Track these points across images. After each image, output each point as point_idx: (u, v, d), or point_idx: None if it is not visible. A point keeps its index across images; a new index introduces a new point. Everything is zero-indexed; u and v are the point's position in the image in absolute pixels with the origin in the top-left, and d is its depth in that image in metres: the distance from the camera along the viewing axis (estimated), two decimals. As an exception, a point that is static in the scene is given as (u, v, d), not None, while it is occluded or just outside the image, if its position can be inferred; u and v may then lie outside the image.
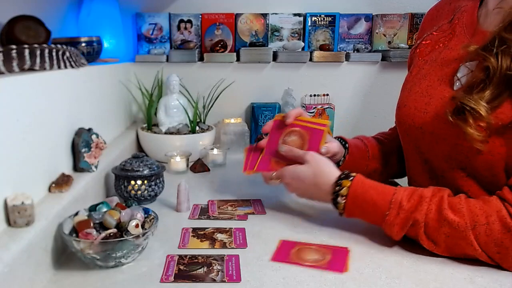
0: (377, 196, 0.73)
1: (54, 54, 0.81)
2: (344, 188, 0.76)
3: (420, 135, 0.79)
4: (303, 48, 1.49)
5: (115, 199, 0.77)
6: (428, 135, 0.77)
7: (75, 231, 0.67)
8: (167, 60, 1.47)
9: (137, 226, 0.68)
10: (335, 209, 0.79)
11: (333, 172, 0.80)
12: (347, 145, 0.95)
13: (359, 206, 0.75)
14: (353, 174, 0.77)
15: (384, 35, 1.52)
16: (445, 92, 0.76)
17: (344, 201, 0.76)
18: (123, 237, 0.66)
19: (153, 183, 0.93)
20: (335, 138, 0.97)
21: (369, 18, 1.51)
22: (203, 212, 0.90)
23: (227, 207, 0.93)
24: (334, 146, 0.90)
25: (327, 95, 1.49)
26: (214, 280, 0.64)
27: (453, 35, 0.83)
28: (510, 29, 0.67)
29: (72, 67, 0.88)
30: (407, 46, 1.48)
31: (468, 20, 0.81)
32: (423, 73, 0.84)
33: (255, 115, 1.46)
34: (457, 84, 0.75)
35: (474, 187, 0.74)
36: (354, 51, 1.51)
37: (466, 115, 0.67)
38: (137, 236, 0.67)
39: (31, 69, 0.74)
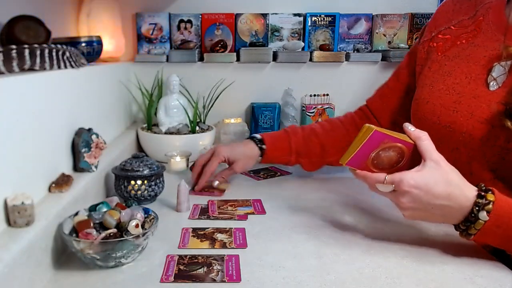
0: None
1: (54, 54, 0.81)
2: (490, 203, 0.63)
3: (447, 134, 0.77)
4: (303, 48, 1.49)
5: (115, 199, 0.77)
6: (458, 134, 0.75)
7: (75, 231, 0.67)
8: (167, 60, 1.47)
9: (137, 226, 0.68)
10: (462, 231, 0.66)
11: (467, 183, 0.66)
12: (263, 146, 1.04)
13: (502, 226, 0.63)
14: (489, 187, 0.65)
15: (384, 35, 1.52)
16: (478, 91, 0.75)
17: (486, 218, 0.62)
18: (123, 237, 0.66)
19: (153, 183, 0.93)
20: (251, 139, 1.06)
21: (369, 18, 1.51)
22: (203, 212, 0.90)
23: (227, 207, 0.93)
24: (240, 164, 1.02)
25: (327, 95, 1.49)
26: (214, 280, 0.64)
27: (478, 31, 0.81)
28: None
29: (72, 67, 0.88)
30: (407, 46, 1.48)
31: (495, 17, 0.80)
32: (446, 70, 0.82)
33: (255, 115, 1.46)
34: (493, 84, 0.73)
35: (502, 190, 0.70)
36: (354, 51, 1.51)
37: None
38: (137, 236, 0.67)
39: (31, 69, 0.74)
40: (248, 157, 1.04)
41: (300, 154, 1.05)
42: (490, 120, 0.71)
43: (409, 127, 0.68)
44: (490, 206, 0.63)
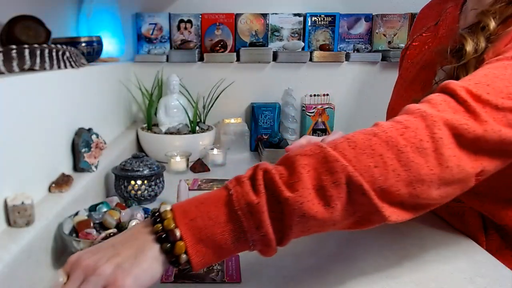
0: (207, 194, 0.52)
1: (54, 54, 0.81)
2: (162, 208, 0.50)
3: None
4: (303, 48, 1.49)
5: (115, 199, 0.77)
6: None
7: (75, 231, 0.67)
8: (167, 60, 1.47)
9: (137, 226, 0.68)
10: (166, 254, 0.47)
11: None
12: None
13: (194, 211, 0.50)
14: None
15: (384, 35, 1.52)
16: None
17: (172, 226, 0.47)
18: (123, 237, 0.66)
19: (153, 183, 0.93)
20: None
21: (369, 18, 1.51)
22: (203, 212, 0.90)
23: (227, 207, 0.93)
24: None
25: (327, 95, 1.49)
26: (214, 280, 0.64)
27: (436, 37, 0.82)
28: (474, 28, 0.67)
29: (72, 67, 0.88)
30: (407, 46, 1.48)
31: (450, 22, 0.80)
32: (410, 77, 0.83)
33: (255, 115, 1.46)
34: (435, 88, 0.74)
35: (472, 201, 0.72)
36: (354, 51, 1.51)
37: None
38: (137, 236, 0.66)
39: (31, 69, 0.74)
40: None
41: None
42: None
43: None
44: (167, 213, 0.49)
